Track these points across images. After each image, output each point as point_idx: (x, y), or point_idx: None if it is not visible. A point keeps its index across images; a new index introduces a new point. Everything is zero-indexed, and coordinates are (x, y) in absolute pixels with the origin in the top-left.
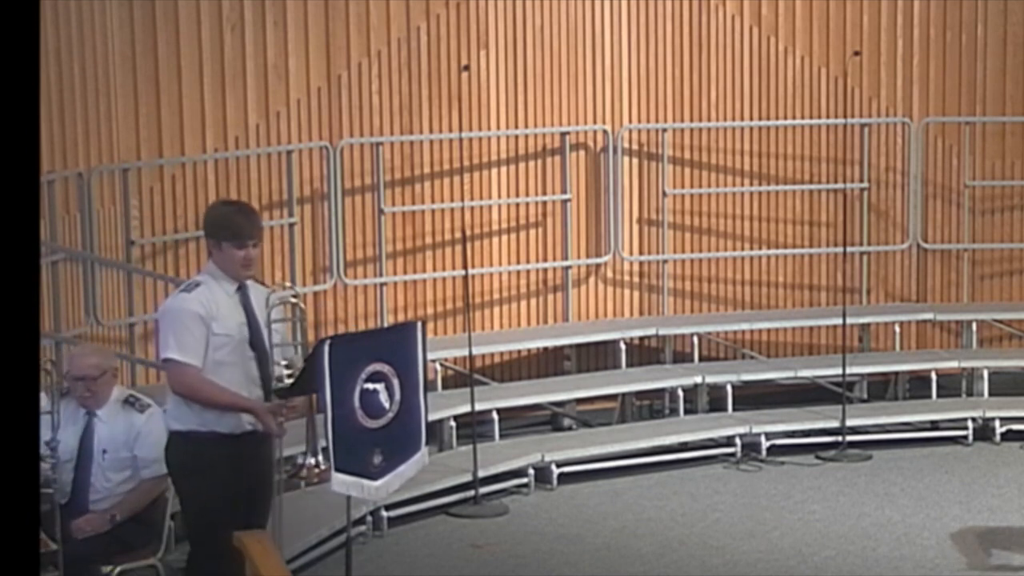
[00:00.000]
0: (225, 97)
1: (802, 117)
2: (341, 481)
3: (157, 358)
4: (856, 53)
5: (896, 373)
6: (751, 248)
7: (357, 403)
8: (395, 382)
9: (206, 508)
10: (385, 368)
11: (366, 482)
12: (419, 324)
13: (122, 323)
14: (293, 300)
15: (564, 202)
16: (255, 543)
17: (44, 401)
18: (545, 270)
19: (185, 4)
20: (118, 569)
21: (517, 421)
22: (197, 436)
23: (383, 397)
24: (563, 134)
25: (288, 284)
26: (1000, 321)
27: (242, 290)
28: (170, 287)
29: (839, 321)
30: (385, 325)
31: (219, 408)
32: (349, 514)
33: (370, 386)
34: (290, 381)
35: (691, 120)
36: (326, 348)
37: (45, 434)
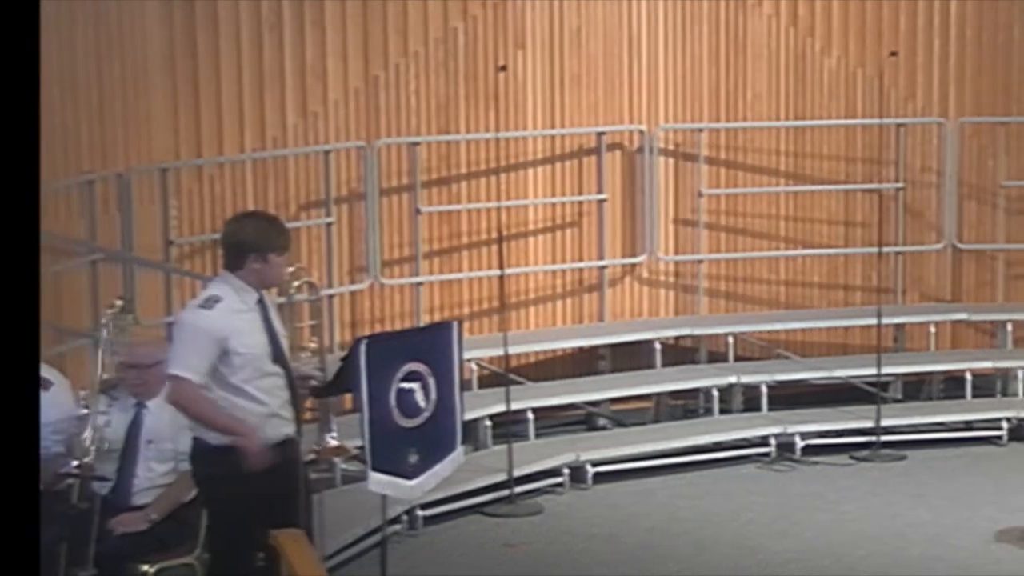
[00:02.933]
0: (263, 97)
1: (838, 117)
2: (377, 480)
3: None
4: (892, 53)
5: (930, 373)
6: (786, 248)
7: (393, 402)
8: (431, 381)
9: (231, 518)
10: (421, 367)
11: (402, 481)
12: (455, 324)
13: (161, 322)
14: (310, 280)
15: (600, 202)
16: (291, 542)
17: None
18: (580, 270)
19: (224, 5)
20: (155, 567)
21: (552, 421)
22: (229, 449)
23: (419, 396)
24: (599, 134)
25: (300, 265)
26: None
27: (262, 302)
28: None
29: (874, 321)
30: (421, 324)
31: (212, 428)
32: (384, 513)
33: (406, 385)
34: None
35: (727, 120)
36: (363, 347)
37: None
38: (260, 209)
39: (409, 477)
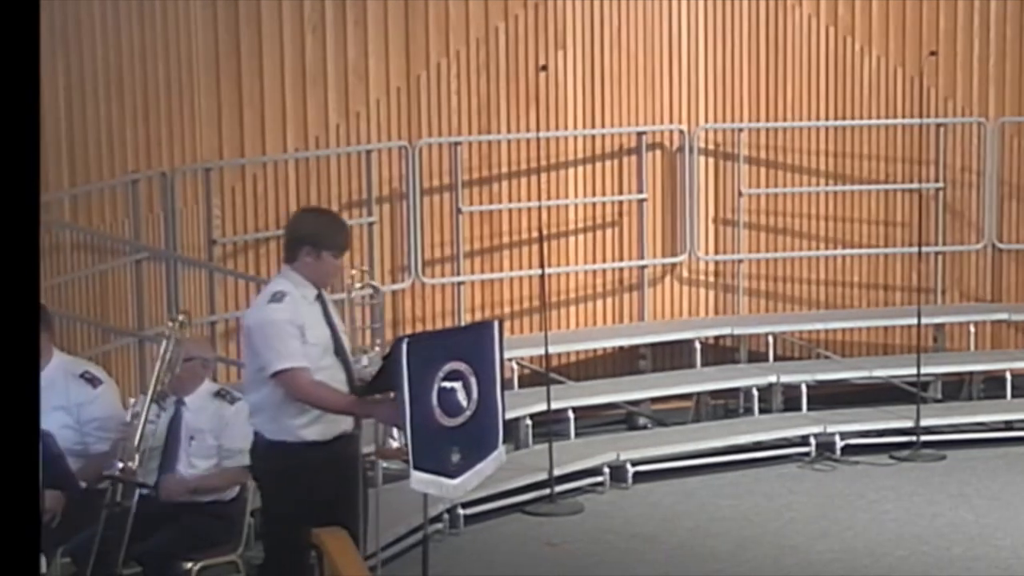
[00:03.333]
0: (306, 97)
1: (878, 117)
2: (420, 479)
3: (252, 371)
4: (932, 53)
5: (971, 373)
6: (826, 248)
7: (435, 401)
8: (473, 381)
9: (291, 515)
10: (463, 367)
11: (444, 480)
12: (497, 323)
13: (204, 321)
14: (373, 284)
15: (640, 202)
16: (333, 540)
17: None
18: (621, 269)
19: (267, 5)
20: (199, 565)
21: (593, 420)
22: (286, 445)
23: (461, 396)
24: (639, 134)
25: (364, 269)
26: None
27: (320, 297)
28: (251, 286)
29: (914, 321)
30: (462, 324)
31: (335, 412)
32: (426, 512)
33: (448, 384)
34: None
35: (767, 120)
36: (404, 347)
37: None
38: (326, 207)
39: (452, 476)
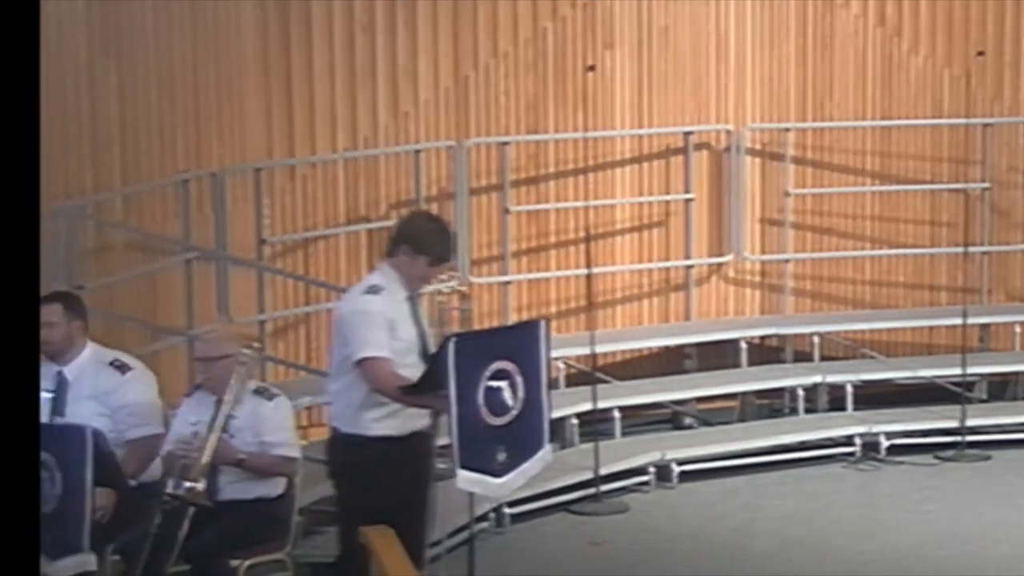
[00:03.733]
0: (356, 97)
1: (924, 117)
2: (466, 478)
3: (338, 359)
4: (979, 53)
5: (1016, 373)
6: (872, 248)
7: (481, 400)
8: (519, 380)
9: (361, 510)
10: (509, 366)
11: (490, 479)
12: (543, 323)
13: (253, 319)
14: (461, 288)
15: (687, 201)
16: (380, 539)
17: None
18: (667, 269)
19: (318, 6)
20: (247, 563)
21: (638, 419)
22: (362, 439)
23: (507, 395)
24: (686, 134)
25: (455, 273)
26: None
27: (411, 297)
28: (300, 285)
29: (959, 321)
30: (509, 323)
31: (414, 406)
32: (472, 511)
33: (494, 384)
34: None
35: (814, 120)
36: (452, 346)
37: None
38: (439, 216)
39: (497, 475)
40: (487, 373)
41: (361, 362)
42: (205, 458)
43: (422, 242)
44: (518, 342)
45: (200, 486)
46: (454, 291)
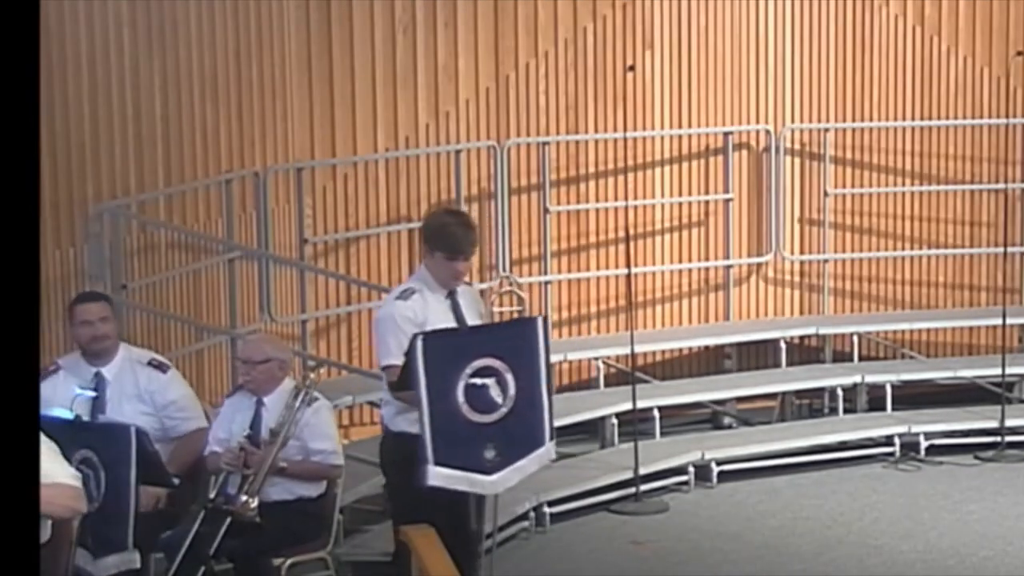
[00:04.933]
0: (396, 97)
1: (964, 117)
2: (440, 475)
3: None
4: (1019, 53)
5: None
6: (912, 248)
7: (461, 398)
8: (509, 377)
9: (411, 506)
10: (496, 363)
11: (478, 476)
12: (539, 319)
13: (295, 319)
14: (513, 290)
15: (726, 201)
16: (421, 538)
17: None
18: (706, 269)
19: (359, 6)
20: (289, 561)
21: (678, 419)
22: (407, 436)
23: (494, 392)
24: (726, 134)
25: (506, 275)
26: None
27: (452, 296)
28: (341, 285)
29: (999, 321)
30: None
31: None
32: (495, 517)
33: (478, 381)
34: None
35: (853, 120)
36: (419, 343)
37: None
38: (456, 208)
39: (488, 472)
40: (468, 370)
41: (384, 368)
42: (260, 479)
43: (435, 237)
44: (508, 339)
45: (253, 503)
46: (507, 292)
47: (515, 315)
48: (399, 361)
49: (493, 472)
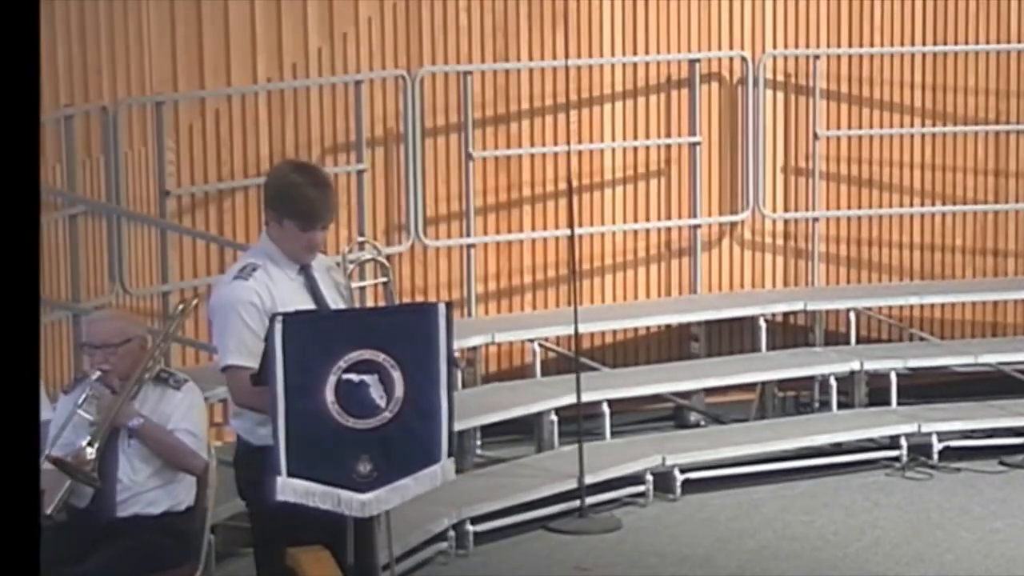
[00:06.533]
0: (280, 16)
1: (987, 41)
2: (292, 487)
3: (217, 358)
4: None
5: None
6: (923, 204)
7: (331, 396)
8: (396, 375)
9: (278, 529)
10: (380, 357)
11: (347, 494)
12: (442, 306)
13: (154, 291)
14: (378, 259)
15: (692, 146)
16: (312, 560)
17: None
18: (668, 230)
19: None
20: None
21: (633, 416)
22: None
23: (375, 392)
24: (692, 62)
25: (362, 239)
26: None
27: (305, 270)
28: (212, 248)
29: None
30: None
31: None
32: (391, 538)
33: (354, 377)
34: None
35: (850, 45)
36: (278, 326)
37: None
38: (307, 162)
39: (360, 490)
40: (341, 363)
41: (224, 370)
42: (106, 425)
43: (284, 202)
44: (398, 329)
45: (91, 453)
46: (367, 260)
47: (379, 288)
48: (243, 361)
49: (366, 490)
